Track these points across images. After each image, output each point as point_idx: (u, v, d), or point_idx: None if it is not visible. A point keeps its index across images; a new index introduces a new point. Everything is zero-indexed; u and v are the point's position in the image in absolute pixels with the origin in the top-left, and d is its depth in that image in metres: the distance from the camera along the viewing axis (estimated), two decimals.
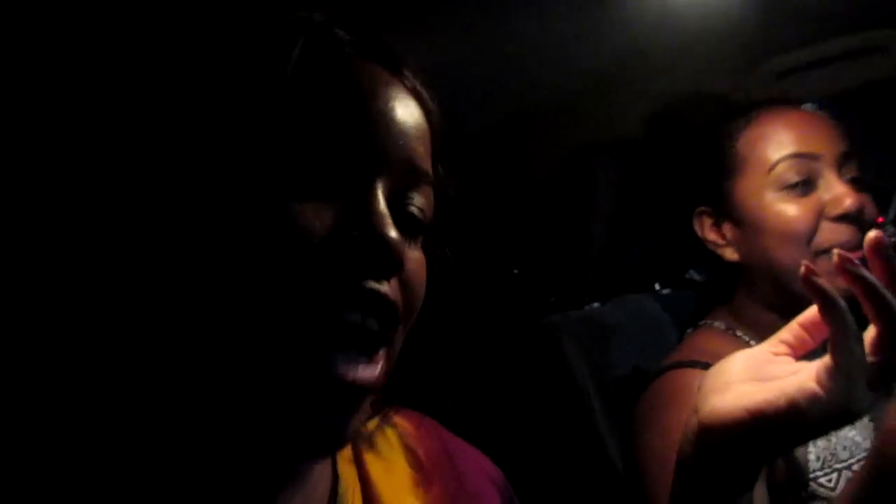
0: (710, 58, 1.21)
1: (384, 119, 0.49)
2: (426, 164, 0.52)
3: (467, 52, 1.24)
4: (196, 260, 0.45)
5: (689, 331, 1.16)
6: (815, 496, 0.96)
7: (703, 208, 1.09)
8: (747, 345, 1.06)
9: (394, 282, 0.48)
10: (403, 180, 0.50)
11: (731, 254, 1.07)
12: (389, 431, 0.66)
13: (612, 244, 1.50)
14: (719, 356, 1.00)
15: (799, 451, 0.97)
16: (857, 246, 0.95)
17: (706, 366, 1.00)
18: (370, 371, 0.46)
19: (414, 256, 0.51)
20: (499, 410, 1.40)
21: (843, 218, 0.97)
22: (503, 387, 1.45)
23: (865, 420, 1.02)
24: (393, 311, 0.47)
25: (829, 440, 0.98)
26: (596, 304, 1.49)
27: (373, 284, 0.46)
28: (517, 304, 1.59)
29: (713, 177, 1.08)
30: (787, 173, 1.00)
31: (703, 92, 1.27)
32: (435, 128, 0.54)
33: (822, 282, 0.53)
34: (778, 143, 1.01)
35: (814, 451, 0.97)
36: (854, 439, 0.99)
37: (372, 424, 0.63)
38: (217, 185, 0.45)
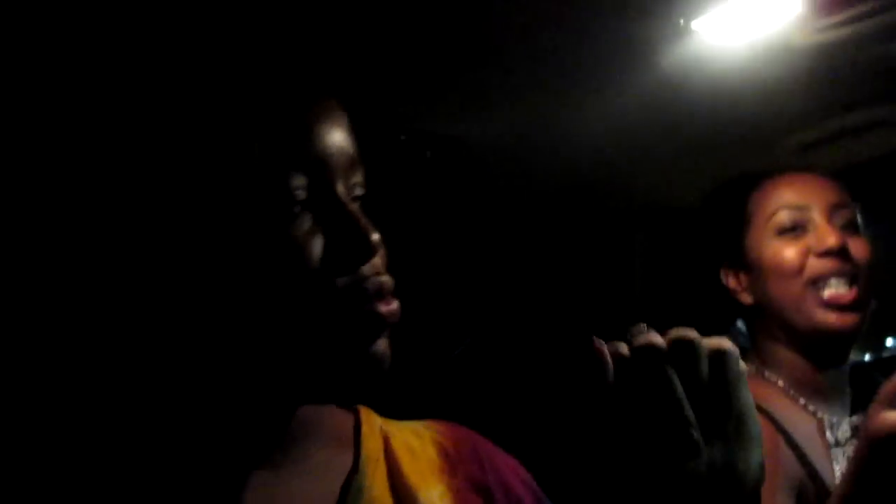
0: (741, 133, 1.38)
1: (322, 134, 0.58)
2: (355, 152, 0.61)
3: (522, 129, 1.42)
4: (259, 305, 0.56)
5: None
6: None
7: (726, 262, 1.24)
8: (775, 385, 1.17)
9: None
10: (348, 173, 0.59)
11: (746, 298, 1.20)
12: (421, 429, 0.71)
13: (649, 299, 1.63)
14: (753, 394, 1.13)
15: (827, 475, 1.06)
16: (842, 275, 1.10)
17: None
18: (392, 305, 0.59)
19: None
20: (539, 440, 1.49)
21: (826, 253, 1.10)
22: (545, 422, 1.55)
23: None
24: (385, 280, 0.59)
25: None
26: None
27: (366, 271, 0.57)
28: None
29: (731, 234, 1.22)
30: (781, 220, 1.15)
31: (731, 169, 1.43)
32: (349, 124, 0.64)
33: (605, 350, 0.52)
34: (777, 197, 1.17)
35: (839, 472, 1.07)
36: None
37: (404, 424, 0.71)
38: (247, 269, 0.56)
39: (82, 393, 0.62)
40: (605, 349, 0.52)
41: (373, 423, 0.68)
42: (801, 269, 1.12)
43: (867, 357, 2.37)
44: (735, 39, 1.14)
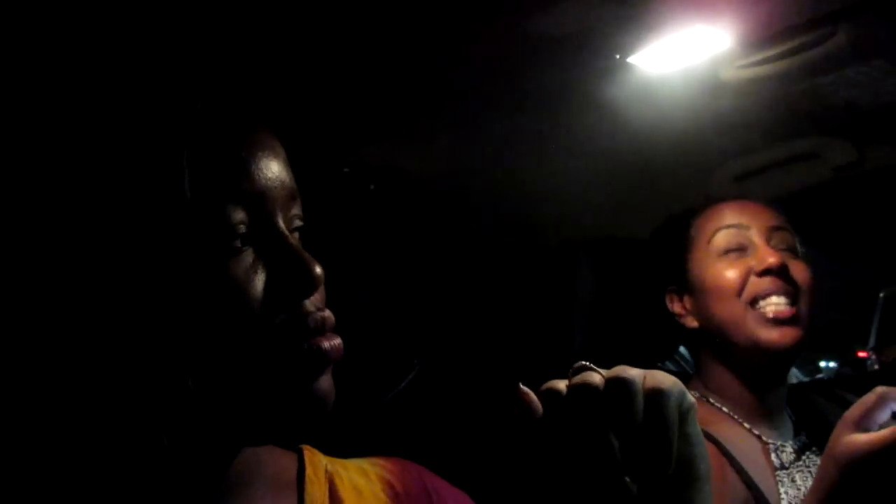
0: (678, 165, 1.42)
1: (261, 168, 0.57)
2: (294, 184, 0.60)
3: (463, 163, 1.44)
4: (198, 343, 0.54)
5: None
6: None
7: (670, 287, 1.26)
8: (720, 410, 1.19)
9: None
10: (287, 206, 0.59)
11: (690, 321, 1.22)
12: (368, 466, 0.70)
13: (595, 333, 1.64)
14: (699, 422, 1.14)
15: (772, 498, 1.08)
16: (782, 294, 1.13)
17: None
18: (334, 340, 0.57)
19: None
20: (484, 469, 1.48)
21: (766, 272, 1.13)
22: (497, 461, 1.54)
23: None
24: (327, 315, 0.58)
25: (799, 489, 1.10)
26: None
27: (308, 306, 0.57)
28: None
29: (675, 259, 1.25)
30: (721, 241, 1.18)
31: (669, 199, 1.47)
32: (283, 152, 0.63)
33: (530, 396, 0.53)
34: (717, 220, 1.21)
35: (785, 498, 1.08)
36: None
37: (350, 462, 0.69)
38: (179, 296, 0.53)
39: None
40: (530, 395, 0.52)
41: (317, 464, 0.67)
42: (741, 288, 1.14)
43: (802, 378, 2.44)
44: (670, 74, 1.17)
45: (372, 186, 1.50)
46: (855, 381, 1.46)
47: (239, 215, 0.55)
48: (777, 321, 1.11)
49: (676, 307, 1.25)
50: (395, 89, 1.16)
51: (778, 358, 1.15)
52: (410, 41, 1.05)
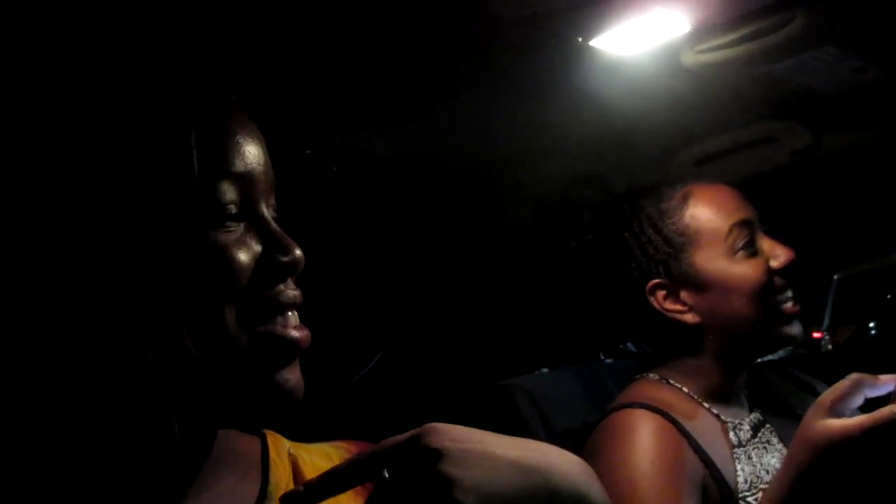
0: (636, 147, 1.44)
1: (251, 153, 0.58)
2: (272, 171, 0.62)
3: (427, 143, 1.44)
4: (181, 320, 0.54)
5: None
6: None
7: (655, 282, 1.20)
8: (680, 391, 1.20)
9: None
10: (268, 192, 0.61)
11: (692, 318, 1.18)
12: (331, 450, 0.70)
13: (560, 316, 1.66)
14: (657, 400, 1.16)
15: (729, 475, 1.10)
16: (791, 287, 1.15)
17: (647, 406, 1.15)
18: (304, 331, 0.59)
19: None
20: None
21: (784, 270, 1.15)
22: None
23: (782, 447, 1.17)
24: (299, 295, 0.60)
25: (755, 465, 1.13)
26: (546, 370, 1.63)
27: (287, 286, 0.58)
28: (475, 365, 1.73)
29: (663, 254, 1.20)
30: (737, 239, 1.16)
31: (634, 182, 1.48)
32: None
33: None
34: (726, 214, 1.17)
35: (741, 475, 1.11)
36: (774, 465, 1.14)
37: (313, 447, 0.70)
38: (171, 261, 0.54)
39: None
40: None
41: (280, 448, 0.67)
42: (766, 286, 1.14)
43: None
44: (631, 57, 1.18)
45: (335, 168, 1.49)
46: (809, 360, 1.50)
47: (231, 195, 0.56)
48: (791, 317, 1.14)
49: (668, 304, 1.20)
50: (361, 72, 1.16)
51: (780, 349, 1.18)
52: (377, 23, 1.04)
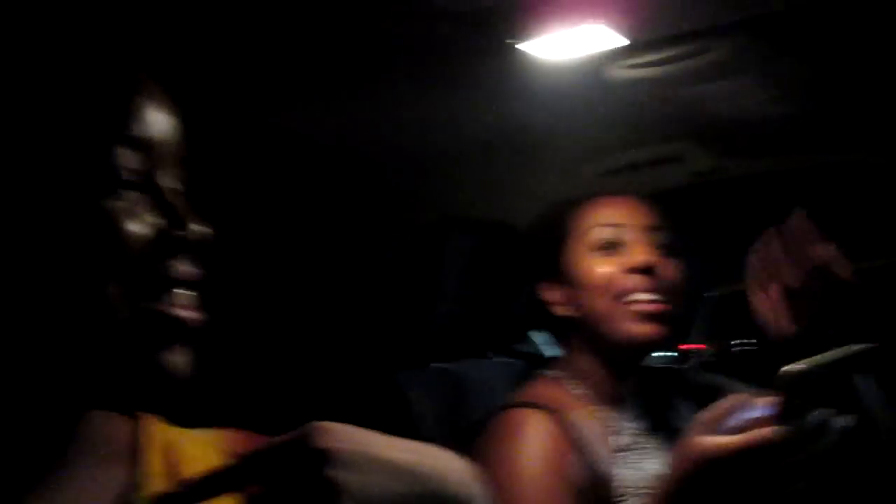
0: (548, 153, 1.46)
1: (154, 121, 0.56)
2: (181, 145, 0.60)
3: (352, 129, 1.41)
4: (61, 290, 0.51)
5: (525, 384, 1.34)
6: None
7: (544, 276, 1.29)
8: (572, 392, 1.24)
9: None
10: (175, 163, 0.58)
11: (562, 310, 1.27)
12: (211, 439, 0.68)
13: (457, 312, 1.67)
14: (548, 399, 1.19)
15: (610, 479, 1.15)
16: (648, 291, 1.18)
17: (538, 407, 1.18)
18: (191, 312, 0.56)
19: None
20: None
21: (635, 270, 1.19)
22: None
23: (657, 454, 1.22)
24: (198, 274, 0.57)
25: (634, 471, 1.17)
26: (439, 365, 1.64)
27: (185, 264, 0.55)
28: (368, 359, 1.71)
29: (550, 250, 1.28)
30: (596, 237, 1.23)
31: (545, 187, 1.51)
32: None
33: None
34: (594, 216, 1.25)
35: (621, 479, 1.15)
36: (649, 471, 1.19)
37: (193, 434, 0.67)
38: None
39: None
40: None
41: (154, 434, 0.63)
42: (611, 284, 1.19)
43: None
44: (558, 64, 1.20)
45: (248, 144, 1.44)
46: (685, 371, 1.57)
47: (127, 161, 0.53)
48: (643, 317, 1.17)
49: (548, 296, 1.28)
50: (288, 52, 1.12)
51: (640, 351, 1.22)
52: (307, 4, 1.01)
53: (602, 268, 1.21)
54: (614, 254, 1.22)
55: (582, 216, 1.26)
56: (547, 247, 1.29)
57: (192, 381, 0.57)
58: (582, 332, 1.25)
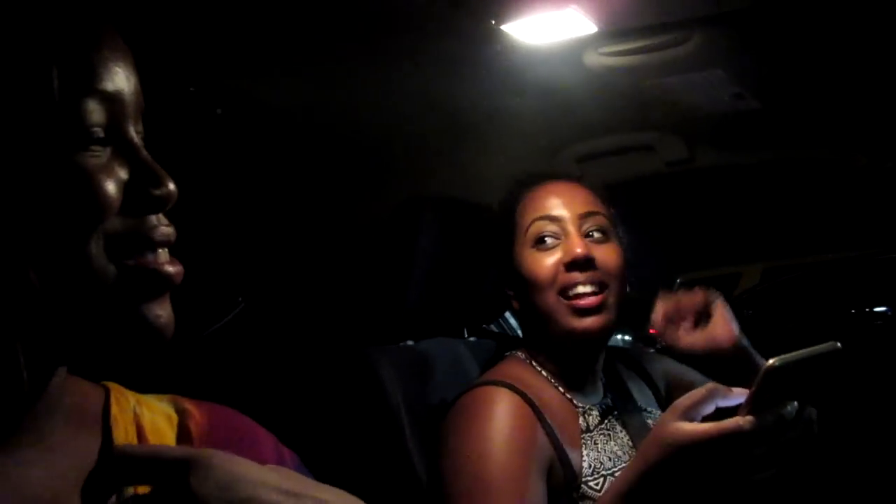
0: (525, 137, 1.47)
1: (120, 74, 0.55)
2: (142, 96, 0.59)
3: (321, 98, 1.40)
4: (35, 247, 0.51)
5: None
6: (584, 497, 1.16)
7: (501, 270, 1.31)
8: (539, 374, 1.27)
9: None
10: (137, 117, 0.57)
11: (516, 304, 1.30)
12: (173, 409, 0.67)
13: (429, 291, 1.68)
14: (518, 379, 1.21)
15: (575, 459, 1.17)
16: (587, 283, 1.19)
17: (507, 385, 1.20)
18: (177, 266, 0.56)
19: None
20: (313, 427, 1.50)
21: (573, 264, 1.20)
22: (319, 406, 1.55)
23: (625, 435, 1.25)
24: (172, 232, 0.57)
25: (599, 451, 1.20)
26: (410, 342, 1.65)
27: (158, 221, 0.55)
28: (339, 333, 1.72)
29: (502, 245, 1.30)
30: (535, 233, 1.24)
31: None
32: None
33: None
34: (532, 210, 1.26)
35: (587, 460, 1.18)
36: (616, 452, 1.22)
37: (157, 405, 0.67)
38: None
39: None
40: None
41: (123, 403, 0.63)
42: (552, 280, 1.20)
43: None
44: (538, 47, 1.21)
45: (219, 111, 1.43)
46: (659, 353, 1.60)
47: (97, 115, 0.53)
48: (581, 311, 1.19)
49: (508, 289, 1.30)
50: (260, 27, 1.11)
51: (586, 343, 1.23)
52: None
53: (542, 263, 1.21)
54: (554, 247, 1.22)
55: (523, 210, 1.27)
56: (499, 241, 1.30)
57: (173, 338, 0.57)
58: (536, 324, 1.26)
